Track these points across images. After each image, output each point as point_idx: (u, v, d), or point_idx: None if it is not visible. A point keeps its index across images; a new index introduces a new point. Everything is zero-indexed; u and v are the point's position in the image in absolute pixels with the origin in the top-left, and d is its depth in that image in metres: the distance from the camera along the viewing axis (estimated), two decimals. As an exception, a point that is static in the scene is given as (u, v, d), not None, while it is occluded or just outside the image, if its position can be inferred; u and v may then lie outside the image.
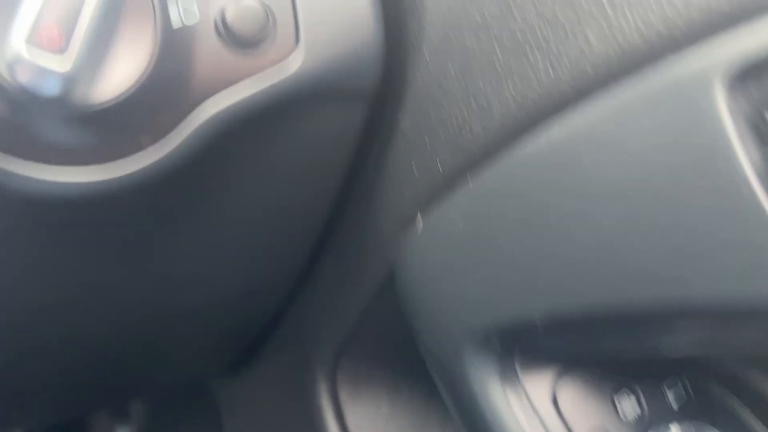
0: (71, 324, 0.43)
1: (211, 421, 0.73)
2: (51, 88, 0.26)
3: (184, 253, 0.41)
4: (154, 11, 0.29)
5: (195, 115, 0.30)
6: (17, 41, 0.26)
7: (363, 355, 0.49)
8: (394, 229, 0.37)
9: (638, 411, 0.31)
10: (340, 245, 0.45)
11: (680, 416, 0.32)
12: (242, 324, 0.54)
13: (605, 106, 0.25)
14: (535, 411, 0.30)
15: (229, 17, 0.30)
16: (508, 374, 0.31)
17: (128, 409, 0.80)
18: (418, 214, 0.34)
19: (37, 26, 0.26)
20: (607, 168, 0.24)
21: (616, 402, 0.31)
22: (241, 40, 0.30)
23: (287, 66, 0.31)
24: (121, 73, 0.28)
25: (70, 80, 0.26)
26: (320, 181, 0.40)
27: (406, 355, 0.42)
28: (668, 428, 0.31)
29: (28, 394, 0.50)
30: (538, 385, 0.31)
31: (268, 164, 0.37)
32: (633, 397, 0.31)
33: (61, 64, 0.26)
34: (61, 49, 0.26)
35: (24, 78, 0.26)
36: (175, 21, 0.29)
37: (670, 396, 0.32)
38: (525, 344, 0.30)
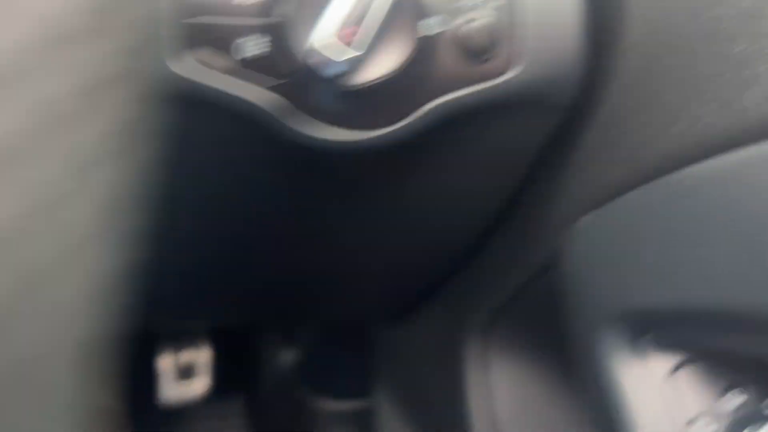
0: (275, 245, 0.54)
1: (363, 363, 0.84)
2: (338, 69, 0.37)
3: (382, 213, 0.51)
4: (416, 23, 0.38)
5: (428, 105, 0.40)
6: (328, 34, 0.36)
7: (511, 324, 0.56)
8: (559, 224, 0.44)
9: (745, 410, 0.36)
10: (509, 231, 0.53)
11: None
12: (410, 283, 0.63)
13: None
14: (654, 384, 0.36)
15: (468, 32, 0.38)
16: (635, 351, 0.37)
17: (294, 336, 0.92)
18: (583, 216, 0.41)
19: (340, 25, 0.36)
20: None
21: (726, 397, 0.36)
22: (475, 53, 0.39)
23: (506, 77, 0.40)
24: (383, 64, 0.38)
25: (352, 65, 0.37)
26: (502, 176, 0.48)
27: (549, 332, 0.49)
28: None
29: (215, 292, 0.60)
30: (660, 364, 0.36)
31: (466, 155, 0.45)
32: (744, 397, 0.36)
33: (348, 54, 0.36)
34: (349, 44, 0.36)
35: (324, 62, 0.36)
36: (428, 31, 0.38)
37: None
38: (654, 330, 0.36)
